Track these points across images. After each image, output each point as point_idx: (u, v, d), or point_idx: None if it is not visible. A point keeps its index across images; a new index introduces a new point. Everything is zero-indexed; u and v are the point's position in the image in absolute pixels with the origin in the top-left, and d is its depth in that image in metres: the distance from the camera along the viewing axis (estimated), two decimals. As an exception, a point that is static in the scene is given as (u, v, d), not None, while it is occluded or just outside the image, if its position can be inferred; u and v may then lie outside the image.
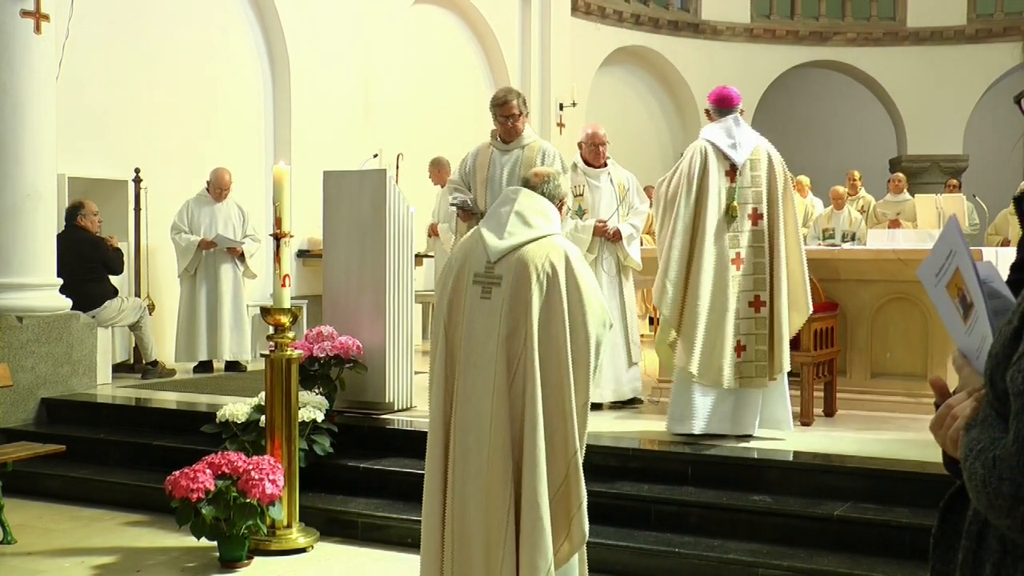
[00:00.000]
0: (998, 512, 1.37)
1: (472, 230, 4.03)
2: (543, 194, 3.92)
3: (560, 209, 4.00)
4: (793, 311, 5.85)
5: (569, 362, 3.67)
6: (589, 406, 3.80)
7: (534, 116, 13.79)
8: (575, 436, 3.70)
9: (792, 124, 19.11)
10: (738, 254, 5.78)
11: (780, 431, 5.87)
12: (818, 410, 6.53)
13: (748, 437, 5.81)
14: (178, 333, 9.13)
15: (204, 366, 9.13)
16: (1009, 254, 7.10)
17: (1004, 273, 1.87)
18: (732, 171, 5.81)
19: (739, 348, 5.75)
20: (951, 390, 1.61)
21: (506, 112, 6.41)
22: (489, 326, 3.73)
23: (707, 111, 6.03)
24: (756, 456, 5.54)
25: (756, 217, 5.80)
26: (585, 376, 3.73)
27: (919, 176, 17.31)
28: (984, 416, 1.46)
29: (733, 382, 5.74)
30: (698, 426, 5.84)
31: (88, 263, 8.33)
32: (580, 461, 3.73)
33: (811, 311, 5.98)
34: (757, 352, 5.76)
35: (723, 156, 5.80)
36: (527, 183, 3.99)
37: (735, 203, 5.76)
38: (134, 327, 8.74)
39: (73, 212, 8.45)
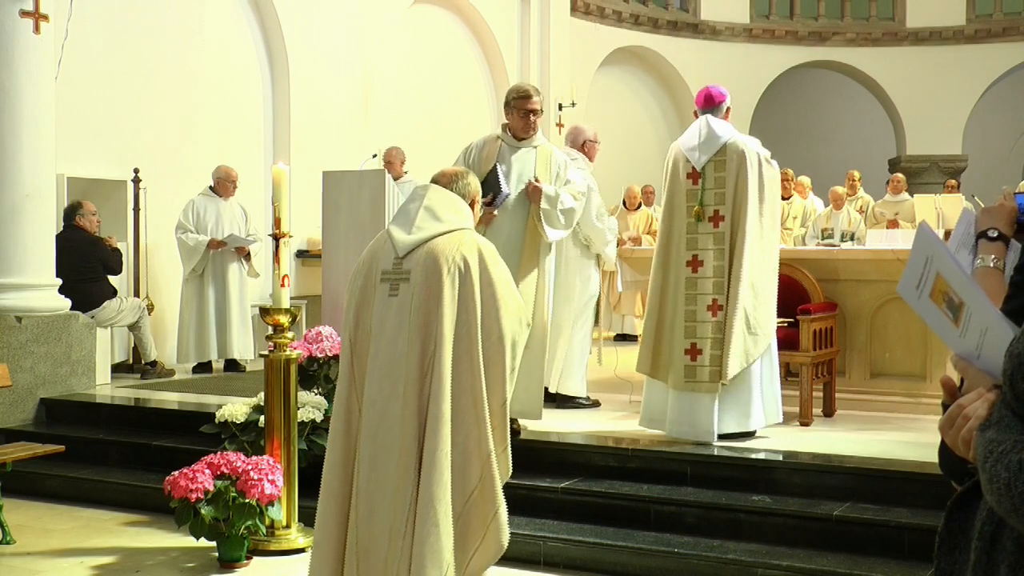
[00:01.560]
0: (1022, 517, 1.35)
1: (380, 232, 3.84)
2: (453, 192, 3.79)
3: (472, 207, 3.86)
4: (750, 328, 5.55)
5: (481, 361, 3.48)
6: (508, 406, 3.59)
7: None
8: (488, 438, 3.49)
9: (792, 124, 19.12)
10: (695, 256, 5.70)
11: (758, 428, 5.78)
12: (817, 410, 6.52)
13: (707, 444, 5.63)
14: (186, 333, 9.02)
15: (203, 366, 9.10)
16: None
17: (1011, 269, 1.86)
18: (694, 173, 5.76)
19: (693, 351, 5.66)
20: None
21: (529, 106, 5.94)
22: (399, 324, 3.53)
23: (695, 112, 5.97)
24: (755, 456, 5.52)
25: (717, 219, 5.69)
26: (500, 375, 3.54)
27: (918, 176, 17.31)
28: (1000, 417, 1.43)
29: (682, 384, 5.67)
30: (659, 426, 5.82)
31: (87, 263, 8.32)
32: (495, 465, 3.50)
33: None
34: (712, 357, 5.62)
35: (686, 159, 5.79)
36: (436, 181, 3.85)
37: (699, 205, 5.68)
38: (133, 327, 8.72)
39: (72, 212, 8.44)
